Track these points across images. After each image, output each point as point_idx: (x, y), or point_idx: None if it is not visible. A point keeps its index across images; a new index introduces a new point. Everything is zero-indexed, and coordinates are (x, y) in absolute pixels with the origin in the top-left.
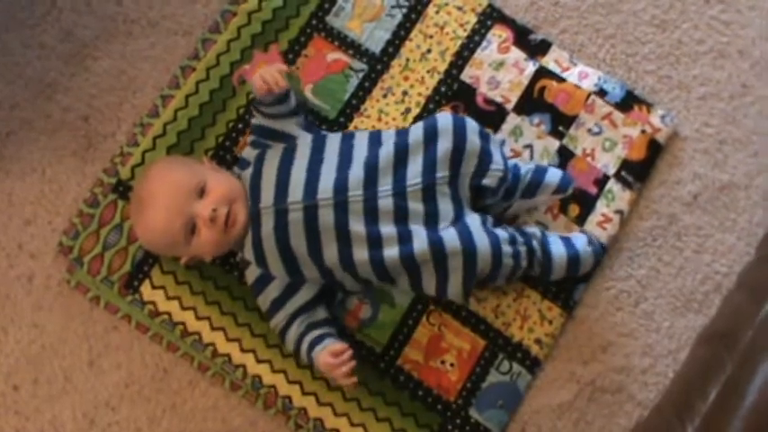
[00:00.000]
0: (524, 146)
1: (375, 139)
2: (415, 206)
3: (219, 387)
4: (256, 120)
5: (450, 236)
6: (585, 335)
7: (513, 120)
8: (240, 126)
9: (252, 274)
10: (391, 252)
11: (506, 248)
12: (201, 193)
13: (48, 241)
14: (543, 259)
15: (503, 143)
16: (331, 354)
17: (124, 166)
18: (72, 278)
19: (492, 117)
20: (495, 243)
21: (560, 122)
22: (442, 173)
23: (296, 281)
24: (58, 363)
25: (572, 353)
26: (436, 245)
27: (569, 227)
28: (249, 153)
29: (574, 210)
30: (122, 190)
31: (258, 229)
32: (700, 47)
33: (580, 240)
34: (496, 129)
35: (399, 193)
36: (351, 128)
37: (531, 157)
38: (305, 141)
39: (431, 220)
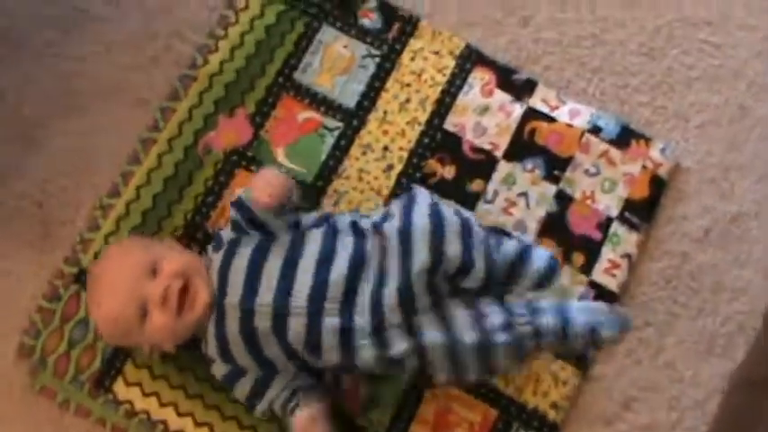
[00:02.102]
0: (519, 194)
1: (356, 228)
2: (393, 318)
3: None
4: (236, 208)
5: (430, 335)
6: (605, 393)
7: (504, 167)
8: (210, 199)
9: (219, 369)
10: (366, 355)
11: (500, 338)
12: (154, 272)
13: (6, 343)
14: (562, 334)
15: (487, 235)
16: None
17: (86, 254)
18: (36, 382)
19: (481, 166)
20: (483, 339)
21: (555, 165)
22: (419, 288)
23: (270, 372)
24: None
25: (592, 414)
26: (418, 346)
27: (576, 278)
28: (227, 233)
29: (578, 258)
30: (85, 280)
31: (222, 325)
32: (692, 72)
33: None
34: (487, 178)
35: (377, 310)
36: (330, 190)
37: (528, 204)
38: (284, 239)
39: (410, 326)
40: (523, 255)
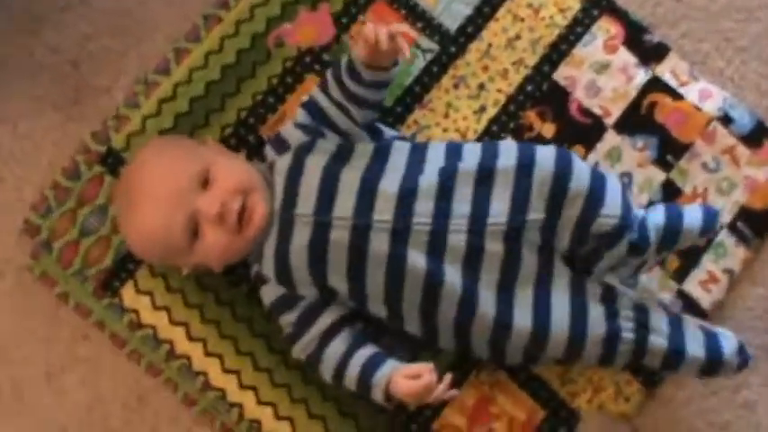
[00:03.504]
0: (622, 173)
1: (453, 153)
2: (493, 250)
3: (207, 428)
4: (319, 94)
5: (521, 315)
6: (668, 420)
7: (611, 138)
8: (270, 100)
9: (270, 293)
10: (448, 311)
11: (597, 332)
12: (205, 183)
13: (11, 215)
14: (670, 358)
15: (626, 185)
16: (408, 376)
17: (118, 132)
18: (36, 266)
19: (586, 132)
20: (580, 330)
21: (669, 150)
22: (536, 215)
23: (328, 298)
24: (7, 371)
25: None
26: (501, 321)
27: (665, 283)
28: (292, 134)
29: (673, 263)
30: (112, 163)
31: (286, 240)
32: None
33: (728, 343)
34: (590, 147)
35: (476, 231)
36: (409, 120)
37: (628, 188)
38: (366, 148)
39: (507, 276)
40: (672, 211)
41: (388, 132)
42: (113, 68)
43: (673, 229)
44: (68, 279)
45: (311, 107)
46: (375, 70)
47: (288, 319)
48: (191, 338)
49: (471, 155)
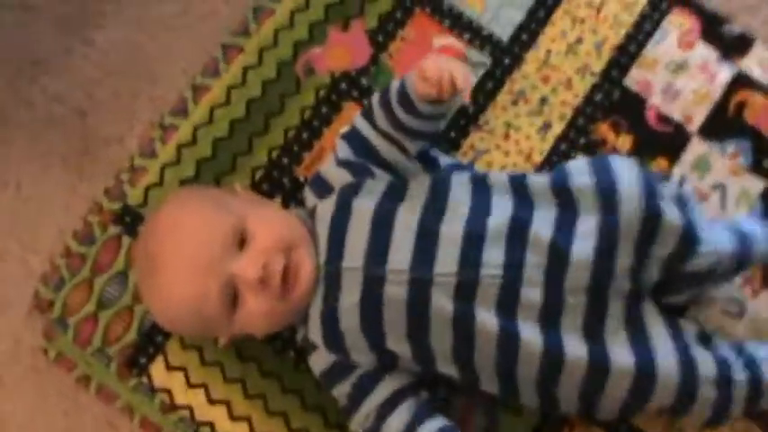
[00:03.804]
0: (713, 186)
1: (518, 185)
2: (575, 303)
3: None
4: (363, 124)
5: (620, 356)
6: None
7: (697, 147)
8: (305, 136)
9: (320, 361)
10: (530, 367)
11: (707, 374)
12: (242, 242)
13: (18, 289)
14: None
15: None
16: None
17: (134, 186)
18: (51, 347)
19: (668, 142)
20: (689, 370)
21: (765, 154)
22: (624, 260)
23: (389, 363)
24: None
25: None
26: (597, 365)
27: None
28: (333, 174)
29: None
30: (130, 221)
31: (334, 299)
32: None
33: None
34: (674, 159)
35: (555, 283)
36: (465, 146)
37: (723, 202)
38: (421, 183)
39: (593, 324)
40: (744, 233)
41: (444, 160)
42: (125, 114)
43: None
44: (88, 359)
45: (354, 139)
46: (434, 104)
47: (342, 391)
48: (233, 418)
49: (539, 186)
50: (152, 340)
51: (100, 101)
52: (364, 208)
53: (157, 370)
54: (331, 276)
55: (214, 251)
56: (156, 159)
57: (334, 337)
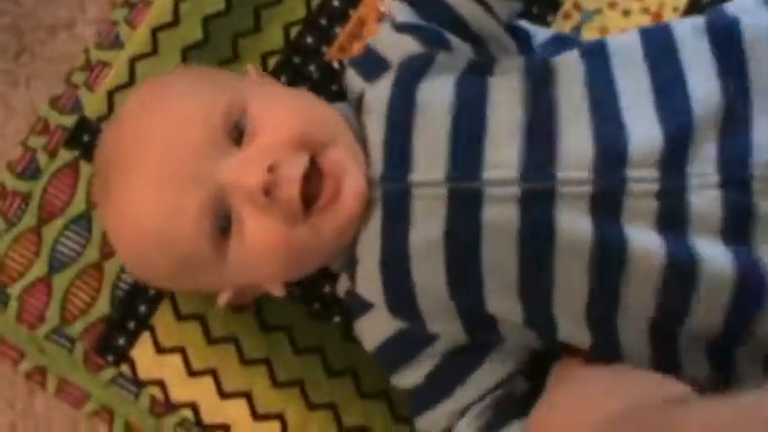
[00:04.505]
0: None
1: (660, 53)
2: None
3: None
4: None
5: None
6: None
7: None
8: (335, 3)
9: (375, 329)
10: (714, 308)
11: None
12: (239, 135)
13: None
14: None
15: None
16: None
17: (93, 91)
18: None
19: None
20: None
21: None
22: None
23: (480, 337)
24: None
25: None
26: None
27: None
28: (391, 43)
29: None
30: (88, 141)
31: (401, 233)
32: None
33: None
34: None
35: (736, 180)
36: (567, 6)
37: None
38: (513, 63)
39: None
40: None
41: (541, 33)
42: None
43: None
44: (41, 345)
45: None
46: None
47: (410, 380)
48: (257, 416)
49: (690, 50)
50: (132, 311)
51: None
52: (440, 92)
53: (143, 354)
54: (393, 197)
55: (193, 146)
56: (121, 51)
57: (400, 293)
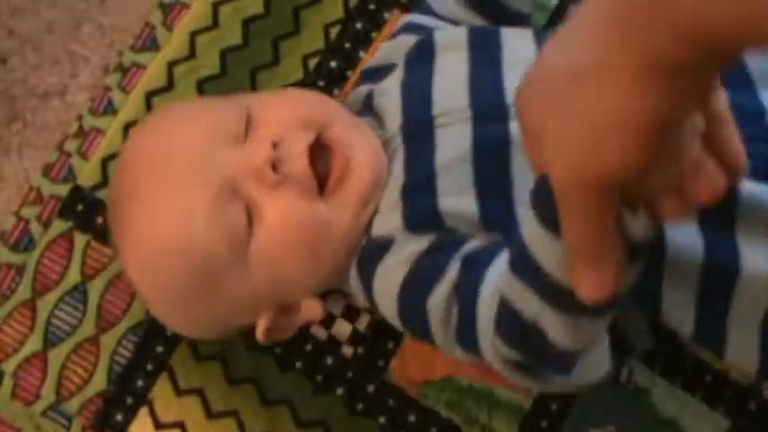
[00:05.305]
0: None
1: None
2: None
3: None
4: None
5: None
6: None
7: None
8: (358, 27)
9: (398, 258)
10: None
11: None
12: (244, 136)
13: None
14: None
15: None
16: None
17: (86, 158)
18: None
19: None
20: None
21: None
22: None
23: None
24: None
25: None
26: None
27: None
28: (393, 48)
29: None
30: (83, 210)
31: (425, 161)
32: None
33: None
34: None
35: None
36: None
37: None
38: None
39: None
40: None
41: None
42: (65, 54)
43: None
44: (38, 422)
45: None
46: None
47: (444, 290)
48: None
49: None
50: (129, 386)
51: (25, 36)
52: (452, 59)
53: (142, 430)
54: (414, 135)
55: (197, 150)
56: (113, 117)
57: (426, 214)
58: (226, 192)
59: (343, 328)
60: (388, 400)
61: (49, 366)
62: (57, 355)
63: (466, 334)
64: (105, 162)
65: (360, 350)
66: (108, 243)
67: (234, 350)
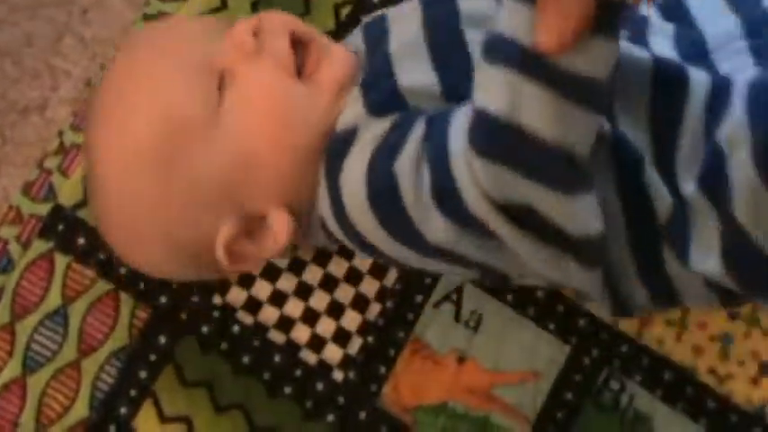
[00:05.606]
0: None
1: None
2: None
3: None
4: None
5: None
6: None
7: None
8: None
9: (363, 145)
10: None
11: None
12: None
13: None
14: None
15: None
16: None
17: (67, 176)
18: None
19: None
20: None
21: None
22: None
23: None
24: None
25: None
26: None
27: None
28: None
29: None
30: (64, 230)
31: (383, 45)
32: None
33: None
34: None
35: None
36: None
37: None
38: None
39: None
40: None
41: None
42: (44, 67)
43: None
44: None
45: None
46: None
47: (411, 149)
48: None
49: None
50: (112, 413)
51: (4, 49)
52: None
53: None
54: (372, 36)
55: (190, 52)
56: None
57: (388, 93)
58: (205, 67)
59: (333, 353)
60: (380, 427)
61: (29, 393)
62: (36, 382)
63: (440, 180)
64: (87, 181)
65: (351, 375)
66: (90, 265)
67: (221, 376)
